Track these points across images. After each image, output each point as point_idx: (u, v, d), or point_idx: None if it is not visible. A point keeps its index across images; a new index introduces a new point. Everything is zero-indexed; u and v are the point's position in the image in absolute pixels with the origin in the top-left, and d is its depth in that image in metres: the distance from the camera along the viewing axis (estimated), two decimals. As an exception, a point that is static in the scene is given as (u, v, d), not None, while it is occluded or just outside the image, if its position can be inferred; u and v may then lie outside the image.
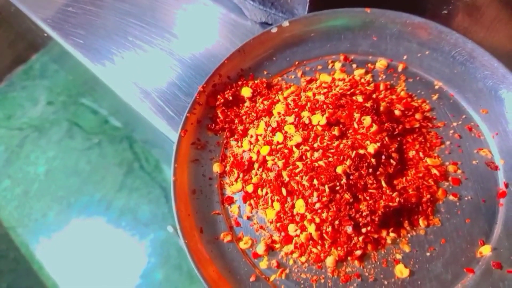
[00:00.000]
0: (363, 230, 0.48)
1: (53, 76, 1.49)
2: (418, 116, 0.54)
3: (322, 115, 0.52)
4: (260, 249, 0.50)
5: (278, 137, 0.53)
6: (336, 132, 0.51)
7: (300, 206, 0.49)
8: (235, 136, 0.57)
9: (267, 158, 0.53)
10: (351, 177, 0.48)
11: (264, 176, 0.53)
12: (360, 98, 0.53)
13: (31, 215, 1.33)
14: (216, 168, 0.55)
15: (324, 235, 0.48)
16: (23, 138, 1.43)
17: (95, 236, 1.30)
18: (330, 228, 0.48)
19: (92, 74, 0.69)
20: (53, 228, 1.33)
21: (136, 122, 1.07)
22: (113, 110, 1.31)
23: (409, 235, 0.49)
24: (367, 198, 0.48)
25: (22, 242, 1.29)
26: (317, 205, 0.48)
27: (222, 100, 0.57)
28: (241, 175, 0.54)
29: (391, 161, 0.50)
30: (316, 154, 0.50)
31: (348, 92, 0.54)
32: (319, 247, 0.49)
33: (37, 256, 1.26)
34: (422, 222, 0.49)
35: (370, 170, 0.49)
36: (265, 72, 0.60)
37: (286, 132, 0.53)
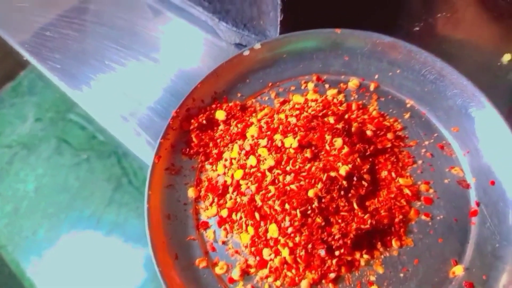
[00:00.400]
0: (336, 253, 0.48)
1: (41, 93, 1.49)
2: (390, 135, 0.54)
3: (294, 138, 0.52)
4: (236, 274, 0.50)
5: (252, 160, 0.53)
6: (308, 154, 0.51)
7: (273, 230, 0.49)
8: (210, 160, 0.57)
9: (241, 182, 0.53)
10: (323, 200, 0.48)
11: (238, 200, 0.53)
12: (331, 120, 0.53)
13: (22, 233, 1.33)
14: (191, 193, 0.55)
15: (298, 259, 0.48)
16: (12, 156, 1.43)
17: (85, 252, 1.30)
18: (303, 252, 0.48)
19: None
20: (44, 245, 1.32)
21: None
22: (101, 126, 1.31)
23: (382, 256, 0.49)
24: (339, 221, 0.48)
25: (13, 260, 1.29)
26: (290, 230, 0.48)
27: (196, 124, 0.57)
28: (216, 200, 0.54)
29: (363, 182, 0.50)
30: (288, 178, 0.50)
31: (320, 114, 0.54)
32: (293, 271, 0.49)
33: (27, 274, 1.26)
34: (395, 243, 0.49)
35: (342, 192, 0.49)
36: (239, 95, 0.60)
37: (259, 155, 0.53)
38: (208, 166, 0.57)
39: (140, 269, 1.19)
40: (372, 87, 0.58)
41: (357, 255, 0.49)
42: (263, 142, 0.53)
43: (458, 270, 0.47)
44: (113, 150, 1.32)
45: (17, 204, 1.34)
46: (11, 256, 1.27)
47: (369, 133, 0.54)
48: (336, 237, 0.47)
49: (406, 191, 0.51)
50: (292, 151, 0.52)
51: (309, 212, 0.48)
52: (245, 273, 0.50)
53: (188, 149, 0.57)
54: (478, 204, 0.49)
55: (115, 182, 1.30)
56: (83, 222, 1.27)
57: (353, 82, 0.58)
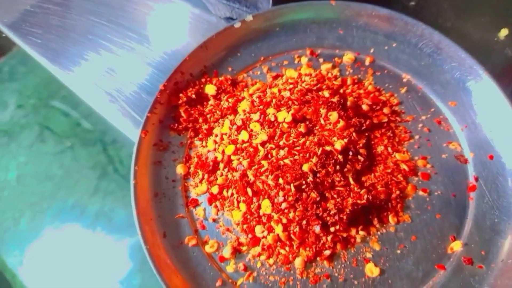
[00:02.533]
0: (332, 229, 0.46)
1: (22, 79, 1.44)
2: (386, 110, 0.53)
3: (288, 112, 0.50)
4: (227, 252, 0.48)
5: (243, 135, 0.51)
6: (302, 129, 0.49)
7: (266, 206, 0.47)
8: (200, 136, 0.55)
9: (232, 157, 0.51)
10: (318, 175, 0.46)
11: (229, 176, 0.51)
12: (326, 93, 0.51)
13: (3, 223, 1.28)
14: (180, 169, 0.53)
15: (292, 235, 0.46)
16: (-9, 143, 1.37)
17: (70, 243, 1.25)
18: (297, 228, 0.46)
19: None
20: (26, 236, 1.27)
21: (107, 124, 1.04)
22: (85, 112, 1.27)
23: (379, 232, 0.47)
24: (335, 196, 0.47)
25: (-7, 252, 1.24)
26: (284, 205, 0.46)
27: (185, 99, 0.55)
28: (206, 176, 0.52)
29: (359, 157, 0.49)
30: (281, 152, 0.48)
31: (315, 88, 0.52)
32: (287, 248, 0.47)
33: (9, 265, 1.21)
34: (392, 219, 0.47)
35: (337, 167, 0.47)
36: (230, 69, 0.58)
37: (251, 130, 0.51)
38: (197, 142, 0.55)
39: (126, 259, 1.16)
40: (367, 62, 0.56)
41: (353, 232, 0.47)
42: (256, 116, 0.51)
43: (457, 246, 0.45)
44: (98, 138, 1.28)
45: (-3, 193, 1.29)
46: (-8, 247, 1.23)
47: (365, 107, 0.52)
48: (332, 212, 0.46)
49: (403, 166, 0.50)
50: (285, 125, 0.50)
51: (303, 186, 0.46)
52: (237, 251, 0.49)
53: (176, 125, 0.55)
54: (476, 179, 0.48)
55: (101, 170, 1.26)
56: (67, 211, 1.23)
57: (348, 56, 0.57)
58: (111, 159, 1.29)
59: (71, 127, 1.34)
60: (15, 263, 1.21)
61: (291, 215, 0.46)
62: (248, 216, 0.48)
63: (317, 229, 0.46)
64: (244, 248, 0.48)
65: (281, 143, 0.49)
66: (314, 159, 0.46)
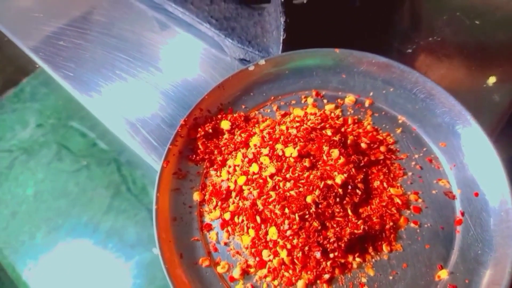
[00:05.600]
0: (331, 255, 0.51)
1: (43, 99, 1.52)
2: (382, 148, 0.58)
3: (294, 148, 0.56)
4: (236, 273, 0.53)
5: (254, 167, 0.57)
6: (306, 163, 0.55)
7: (273, 233, 0.53)
8: (215, 166, 0.61)
9: (244, 187, 0.56)
10: (320, 206, 0.52)
11: (240, 204, 0.56)
12: (329, 132, 0.57)
13: (19, 237, 1.34)
14: (196, 196, 0.59)
15: (295, 260, 0.52)
16: (12, 160, 1.44)
17: (82, 258, 1.30)
18: (300, 254, 0.51)
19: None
20: (40, 250, 1.33)
21: (123, 146, 1.10)
22: (101, 133, 1.34)
23: (373, 260, 0.53)
24: (334, 225, 0.52)
25: (9, 264, 1.30)
26: (289, 232, 0.52)
27: (203, 133, 0.61)
28: (219, 203, 0.58)
29: (357, 191, 0.54)
30: (288, 184, 0.54)
31: (319, 126, 0.58)
32: (290, 271, 0.52)
33: (23, 278, 1.27)
34: (385, 248, 0.53)
35: (337, 199, 0.53)
36: (243, 106, 0.65)
37: (261, 163, 0.57)
38: (212, 172, 0.60)
39: (135, 276, 1.21)
40: (367, 103, 0.62)
41: (350, 258, 0.52)
42: (265, 151, 0.57)
43: (443, 274, 0.50)
44: (113, 158, 1.34)
45: (15, 208, 1.35)
46: (7, 260, 1.28)
47: (363, 145, 0.58)
48: (331, 240, 0.51)
49: (397, 200, 0.55)
50: (292, 160, 0.56)
51: (306, 216, 0.52)
52: (245, 273, 0.54)
53: (194, 156, 0.61)
54: (463, 214, 0.53)
55: (114, 189, 1.32)
56: (80, 228, 1.28)
57: (350, 98, 0.63)
58: (125, 179, 1.36)
59: (87, 147, 1.41)
60: (29, 276, 1.26)
61: (295, 241, 0.52)
62: (256, 241, 0.54)
63: (317, 255, 0.51)
64: (252, 270, 0.54)
65: (287, 176, 0.55)
66: (317, 192, 0.52)
